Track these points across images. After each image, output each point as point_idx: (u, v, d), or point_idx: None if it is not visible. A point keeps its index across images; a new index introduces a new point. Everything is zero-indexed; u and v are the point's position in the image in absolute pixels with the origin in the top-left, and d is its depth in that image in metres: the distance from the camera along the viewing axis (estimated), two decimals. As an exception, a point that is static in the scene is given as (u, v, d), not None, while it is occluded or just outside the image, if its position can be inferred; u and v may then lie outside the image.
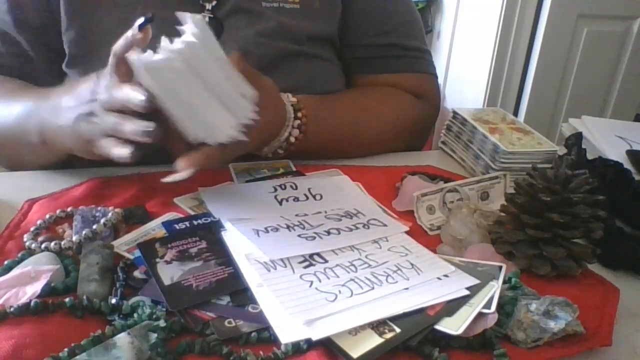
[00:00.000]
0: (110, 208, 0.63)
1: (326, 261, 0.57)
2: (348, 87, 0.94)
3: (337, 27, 0.89)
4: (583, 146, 0.86)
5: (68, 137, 0.65)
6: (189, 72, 0.57)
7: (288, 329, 0.48)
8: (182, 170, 0.60)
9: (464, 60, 2.33)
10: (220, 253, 0.57)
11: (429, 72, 0.97)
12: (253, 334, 0.49)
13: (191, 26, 0.58)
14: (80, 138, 0.64)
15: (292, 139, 0.76)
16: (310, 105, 0.77)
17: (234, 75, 0.61)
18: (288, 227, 0.62)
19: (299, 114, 0.76)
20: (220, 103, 0.59)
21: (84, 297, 0.50)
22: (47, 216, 0.63)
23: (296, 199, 0.69)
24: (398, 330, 0.48)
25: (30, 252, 0.57)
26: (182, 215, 0.65)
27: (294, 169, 0.78)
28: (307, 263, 0.56)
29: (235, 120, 0.60)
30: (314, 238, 0.60)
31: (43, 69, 0.83)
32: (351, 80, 0.94)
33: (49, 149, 0.70)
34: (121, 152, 0.59)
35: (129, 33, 0.58)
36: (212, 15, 0.80)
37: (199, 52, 0.57)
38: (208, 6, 0.81)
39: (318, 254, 0.58)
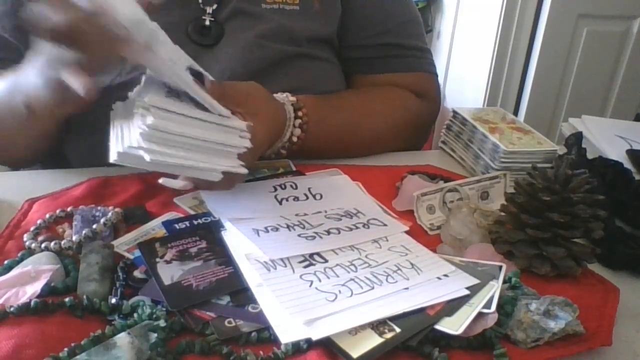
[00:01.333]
0: (110, 208, 0.63)
1: (326, 261, 0.57)
2: (348, 87, 0.94)
3: (337, 27, 0.89)
4: (583, 146, 0.86)
5: (44, 90, 0.64)
6: (161, 147, 0.57)
7: (288, 329, 0.48)
8: (181, 181, 0.61)
9: (464, 60, 2.33)
10: (220, 253, 0.57)
11: (430, 71, 0.97)
12: (253, 334, 0.49)
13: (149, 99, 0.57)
14: (51, 81, 0.62)
15: (295, 139, 0.76)
16: (310, 104, 0.77)
17: (211, 116, 0.60)
18: (288, 226, 0.62)
19: (300, 113, 0.76)
20: (204, 153, 0.59)
21: (84, 297, 0.50)
22: (47, 216, 0.63)
23: (296, 199, 0.69)
24: (398, 330, 0.48)
25: (30, 252, 0.57)
26: (182, 215, 0.65)
27: (294, 169, 0.78)
28: (307, 263, 0.56)
29: (225, 161, 0.60)
30: (314, 238, 0.60)
31: None
32: (351, 81, 0.94)
33: (35, 115, 0.69)
34: (80, 81, 0.57)
35: None
36: (213, 19, 0.81)
37: (164, 127, 0.57)
38: (209, 10, 0.81)
39: (318, 254, 0.58)
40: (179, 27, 0.79)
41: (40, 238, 0.59)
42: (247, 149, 0.61)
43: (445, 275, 0.55)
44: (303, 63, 0.85)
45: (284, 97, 0.76)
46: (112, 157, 0.57)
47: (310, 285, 0.53)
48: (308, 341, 0.47)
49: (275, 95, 0.76)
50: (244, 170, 0.61)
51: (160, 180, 0.61)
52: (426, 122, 0.97)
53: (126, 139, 0.57)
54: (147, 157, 0.56)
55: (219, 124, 0.60)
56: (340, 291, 0.52)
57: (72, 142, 0.83)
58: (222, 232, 0.60)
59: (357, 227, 0.64)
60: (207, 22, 0.80)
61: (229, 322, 0.50)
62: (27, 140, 0.78)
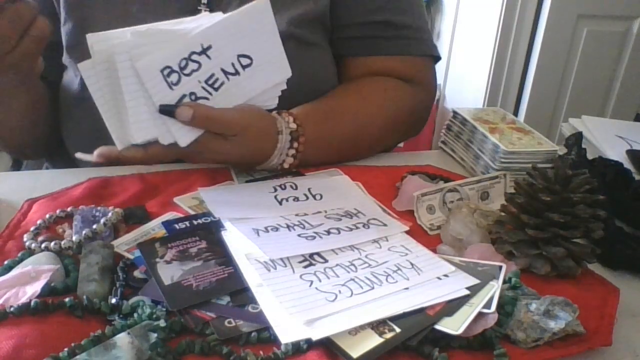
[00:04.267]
0: (110, 208, 0.63)
1: (326, 261, 0.57)
2: (339, 71, 0.91)
3: (328, 4, 0.86)
4: (583, 146, 0.86)
5: None
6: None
7: (288, 329, 0.48)
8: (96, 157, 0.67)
9: (464, 60, 2.33)
10: (220, 253, 0.57)
11: (423, 53, 0.91)
12: (253, 334, 0.49)
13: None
14: None
15: (286, 165, 0.75)
16: (311, 126, 0.75)
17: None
18: (288, 226, 0.62)
19: (295, 144, 0.74)
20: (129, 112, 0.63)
21: (84, 297, 0.50)
22: (47, 216, 0.63)
23: (296, 199, 0.69)
24: (398, 330, 0.48)
25: (30, 252, 0.57)
26: (182, 215, 0.65)
27: (294, 169, 0.78)
28: (307, 263, 0.56)
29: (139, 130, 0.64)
30: (314, 238, 0.60)
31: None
32: (342, 64, 0.91)
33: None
34: None
35: None
36: (208, 10, 0.80)
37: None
38: (204, 0, 0.81)
39: (318, 254, 0.58)
40: (175, 16, 0.80)
41: (40, 238, 0.59)
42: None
43: (445, 276, 0.55)
44: (294, 48, 0.80)
45: (284, 123, 0.73)
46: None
47: (310, 285, 0.53)
48: (308, 341, 0.47)
49: (277, 116, 0.74)
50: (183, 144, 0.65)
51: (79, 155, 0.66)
52: (422, 113, 0.94)
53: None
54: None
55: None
56: (340, 291, 0.52)
57: (70, 134, 0.84)
58: (222, 232, 0.60)
59: (357, 227, 0.64)
60: (203, 12, 0.80)
61: (229, 322, 0.50)
62: (23, 121, 0.79)
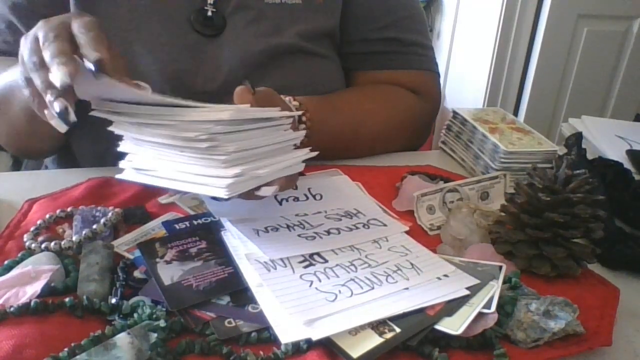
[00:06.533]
0: (110, 208, 0.63)
1: (326, 261, 0.57)
2: (348, 84, 0.94)
3: (338, 21, 0.89)
4: (583, 146, 0.86)
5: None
6: None
7: (288, 329, 0.48)
8: (274, 186, 0.57)
9: (464, 60, 2.33)
10: (220, 253, 0.57)
11: (430, 69, 0.96)
12: (253, 334, 0.49)
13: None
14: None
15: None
16: (313, 107, 0.77)
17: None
18: (288, 226, 0.62)
19: (303, 118, 0.76)
20: (279, 154, 0.59)
21: (84, 297, 0.50)
22: (47, 216, 0.63)
23: (296, 199, 0.69)
24: (398, 330, 0.48)
25: (30, 252, 0.57)
26: (182, 215, 0.65)
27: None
28: (307, 263, 0.56)
29: (298, 152, 0.60)
30: (314, 238, 0.60)
31: None
32: (351, 77, 0.94)
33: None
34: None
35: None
36: (215, 10, 0.81)
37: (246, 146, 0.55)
38: (210, 0, 0.81)
39: (318, 254, 0.58)
40: (182, 16, 0.80)
41: (40, 238, 0.59)
42: (305, 138, 0.61)
43: (445, 276, 0.55)
44: (302, 59, 0.85)
45: (287, 101, 0.76)
46: (219, 193, 0.52)
47: (310, 286, 0.53)
48: (308, 341, 0.47)
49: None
50: (315, 153, 0.61)
51: (260, 192, 0.56)
52: (425, 121, 0.97)
53: (212, 171, 0.53)
54: (261, 172, 0.54)
55: (269, 126, 0.58)
56: (340, 291, 0.52)
57: (79, 146, 0.84)
58: (222, 232, 0.60)
59: (357, 227, 0.64)
60: (210, 13, 0.81)
61: (229, 322, 0.50)
62: (38, 133, 0.79)
